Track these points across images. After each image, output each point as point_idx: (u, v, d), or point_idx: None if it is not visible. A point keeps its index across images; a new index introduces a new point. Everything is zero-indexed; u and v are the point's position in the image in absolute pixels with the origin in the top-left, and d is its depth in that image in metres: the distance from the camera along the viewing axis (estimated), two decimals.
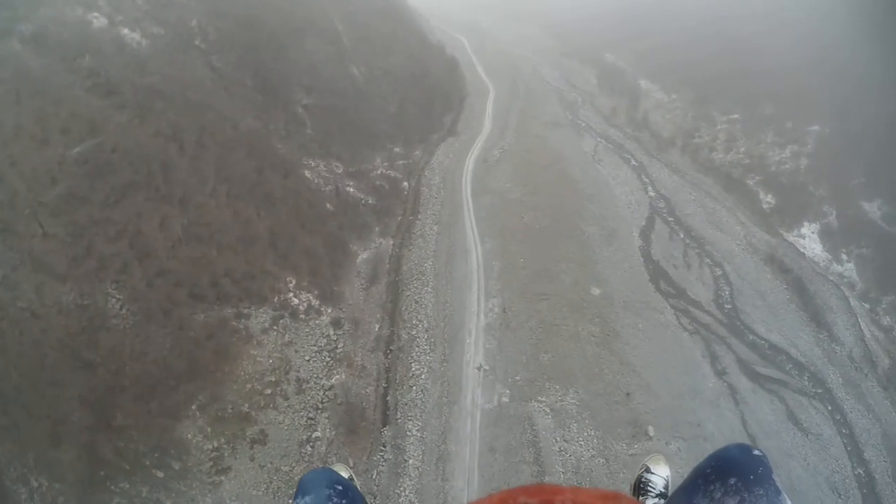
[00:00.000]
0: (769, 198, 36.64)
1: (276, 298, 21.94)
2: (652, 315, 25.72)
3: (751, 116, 43.57)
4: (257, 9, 33.38)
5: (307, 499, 1.95)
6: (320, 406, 19.88)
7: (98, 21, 26.59)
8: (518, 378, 21.59)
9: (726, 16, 55.73)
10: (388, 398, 20.85)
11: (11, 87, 20.80)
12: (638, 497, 2.84)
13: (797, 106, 41.33)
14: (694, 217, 34.22)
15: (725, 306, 27.43)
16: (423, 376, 21.34)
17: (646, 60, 57.30)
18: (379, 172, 33.17)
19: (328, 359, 21.28)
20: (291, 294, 22.48)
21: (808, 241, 33.26)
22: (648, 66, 56.39)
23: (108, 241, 19.84)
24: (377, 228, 28.65)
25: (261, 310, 21.41)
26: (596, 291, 26.48)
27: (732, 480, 1.66)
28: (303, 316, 22.05)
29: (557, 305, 25.11)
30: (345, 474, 2.65)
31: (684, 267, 29.67)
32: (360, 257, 26.62)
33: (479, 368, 21.80)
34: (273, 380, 20.02)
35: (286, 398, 19.79)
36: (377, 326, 23.33)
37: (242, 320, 20.81)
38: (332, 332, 22.11)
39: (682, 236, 32.27)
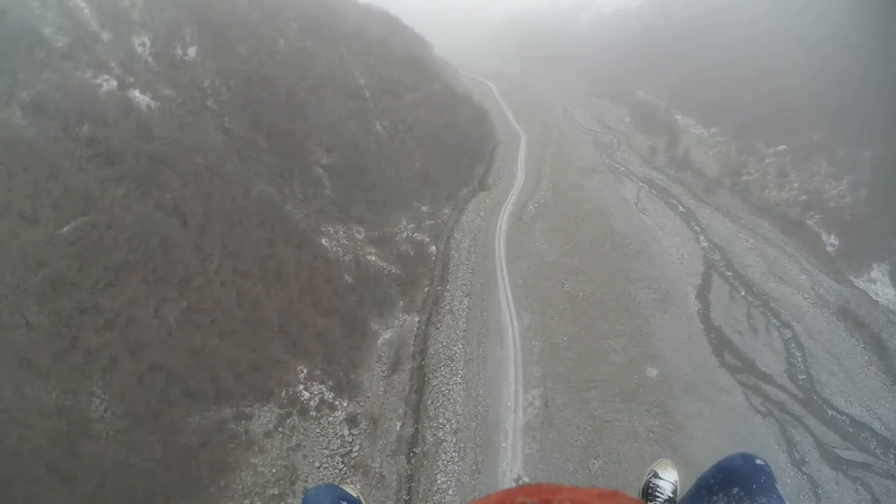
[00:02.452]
0: (832, 238, 32.75)
1: (283, 393, 19.16)
2: (718, 397, 22.07)
3: (799, 145, 39.33)
4: (273, 66, 31.92)
5: None
6: None
7: (108, 84, 25.36)
8: None
9: (748, 35, 52.09)
10: None
11: (3, 160, 19.20)
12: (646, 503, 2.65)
13: (844, 128, 37.03)
14: (754, 269, 30.70)
15: (800, 377, 23.74)
16: (450, 491, 17.83)
17: (678, 92, 54.34)
18: (404, 236, 30.70)
19: (341, 465, 18.17)
20: (301, 386, 19.65)
21: (880, 285, 29.21)
22: (681, 98, 53.34)
23: (95, 331, 17.83)
24: (401, 303, 25.68)
25: (265, 408, 18.65)
26: (652, 373, 22.85)
27: (735, 490, 1.62)
28: (313, 413, 19.12)
29: (609, 394, 21.52)
30: (353, 494, 2.40)
31: (750, 332, 26.04)
32: (381, 338, 23.61)
33: (516, 481, 18.17)
34: (276, 493, 17.16)
35: None
36: (399, 424, 20.05)
37: (243, 422, 18.07)
38: (346, 432, 19.03)
39: (743, 293, 28.71)
